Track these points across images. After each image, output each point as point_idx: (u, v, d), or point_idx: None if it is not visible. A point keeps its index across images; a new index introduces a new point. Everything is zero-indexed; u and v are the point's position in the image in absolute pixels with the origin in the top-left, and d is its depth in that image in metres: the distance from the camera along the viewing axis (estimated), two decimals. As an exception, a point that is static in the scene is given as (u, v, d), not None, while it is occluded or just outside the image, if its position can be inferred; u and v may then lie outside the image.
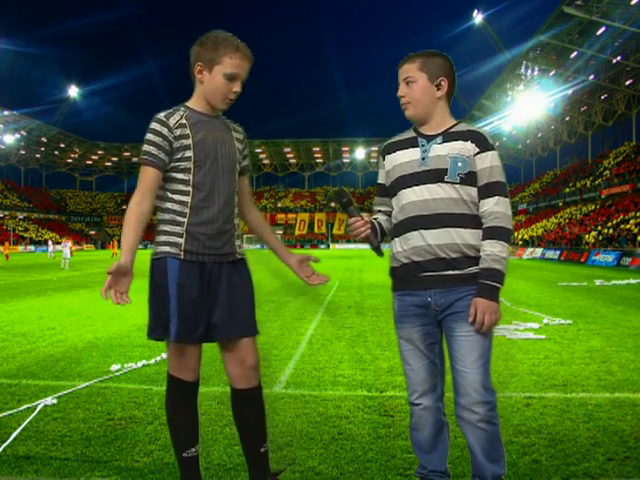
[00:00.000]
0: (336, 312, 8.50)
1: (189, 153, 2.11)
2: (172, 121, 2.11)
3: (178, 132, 2.11)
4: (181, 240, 2.11)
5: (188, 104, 2.20)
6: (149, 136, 2.10)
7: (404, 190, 2.14)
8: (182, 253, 2.10)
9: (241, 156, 2.29)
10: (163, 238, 2.14)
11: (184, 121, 2.12)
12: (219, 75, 2.11)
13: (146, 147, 2.10)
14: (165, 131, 2.09)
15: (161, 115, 2.12)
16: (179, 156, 2.11)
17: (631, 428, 3.18)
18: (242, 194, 2.33)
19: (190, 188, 2.13)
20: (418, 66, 2.12)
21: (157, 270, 2.13)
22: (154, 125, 2.10)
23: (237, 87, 2.15)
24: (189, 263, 2.11)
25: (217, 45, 2.10)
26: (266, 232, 2.42)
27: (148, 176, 2.10)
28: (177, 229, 2.12)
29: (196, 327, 2.11)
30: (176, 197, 2.13)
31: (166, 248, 2.12)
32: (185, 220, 2.12)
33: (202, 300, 2.11)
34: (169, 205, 2.14)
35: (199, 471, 2.22)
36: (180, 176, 2.13)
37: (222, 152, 2.17)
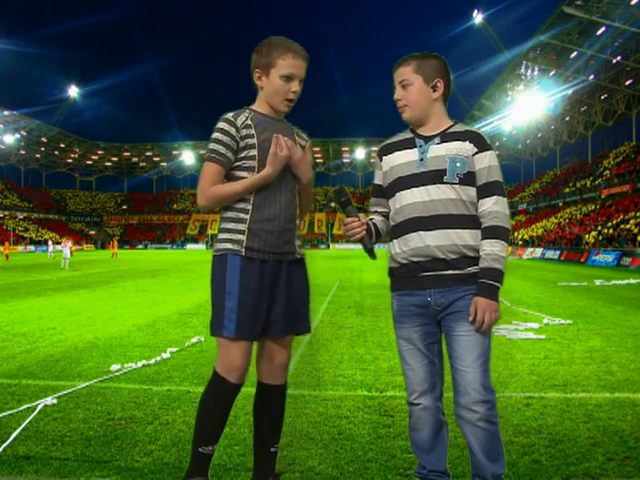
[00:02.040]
0: (336, 312, 8.50)
1: (254, 152, 2.15)
2: (239, 121, 2.16)
3: (244, 132, 2.15)
4: (243, 237, 2.14)
5: (252, 107, 2.25)
6: (217, 135, 2.14)
7: (402, 191, 2.14)
8: (244, 250, 2.13)
9: None
10: (225, 235, 2.17)
11: (249, 122, 2.17)
12: (276, 78, 2.16)
13: (214, 145, 2.15)
14: (233, 131, 2.14)
15: (229, 115, 2.17)
16: (243, 155, 2.16)
17: (631, 428, 3.18)
18: (299, 196, 2.33)
19: None
20: (413, 68, 2.13)
21: (217, 267, 2.16)
22: (222, 125, 2.15)
23: (295, 87, 2.18)
24: (250, 260, 2.13)
25: (270, 49, 2.15)
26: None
27: (214, 172, 2.14)
28: (240, 226, 2.16)
29: (254, 325, 2.13)
30: None
31: (228, 245, 2.15)
32: (248, 217, 2.15)
33: (262, 298, 2.13)
34: (232, 204, 2.18)
35: (207, 469, 2.22)
36: (244, 174, 2.16)
37: None
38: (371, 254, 2.23)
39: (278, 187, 2.19)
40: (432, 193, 2.08)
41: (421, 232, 2.08)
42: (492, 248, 2.04)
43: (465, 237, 2.07)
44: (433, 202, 2.08)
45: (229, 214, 2.19)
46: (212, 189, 2.13)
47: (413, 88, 2.13)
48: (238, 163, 2.17)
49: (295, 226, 2.27)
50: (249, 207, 2.16)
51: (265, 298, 2.15)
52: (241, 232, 2.15)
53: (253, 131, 2.16)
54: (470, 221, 2.09)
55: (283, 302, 2.18)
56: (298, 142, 2.30)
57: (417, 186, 2.10)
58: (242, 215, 2.16)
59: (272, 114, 2.24)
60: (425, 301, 2.11)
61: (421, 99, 2.13)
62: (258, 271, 2.13)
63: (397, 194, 2.16)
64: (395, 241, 2.18)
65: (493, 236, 2.05)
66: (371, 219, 2.30)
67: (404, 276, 2.15)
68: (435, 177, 2.08)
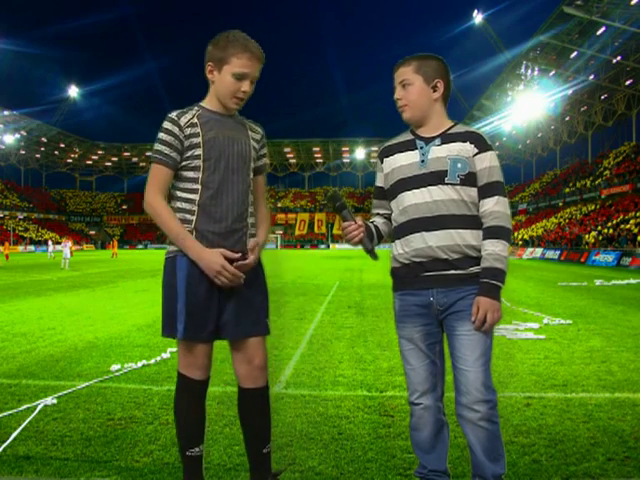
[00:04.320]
0: (336, 312, 8.50)
1: (199, 151, 2.12)
2: (183, 120, 2.13)
3: (189, 131, 2.12)
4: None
5: (202, 103, 2.22)
6: (161, 135, 2.13)
7: (405, 193, 2.14)
8: None
9: (257, 155, 2.28)
10: None
11: (195, 120, 2.14)
12: (228, 75, 2.12)
13: (158, 146, 2.13)
14: (176, 130, 2.11)
15: (173, 114, 2.14)
16: (189, 154, 2.13)
17: (631, 428, 3.18)
18: (255, 193, 2.30)
19: (199, 186, 2.14)
20: (414, 69, 2.13)
21: (167, 269, 2.16)
22: (166, 124, 2.13)
23: (246, 87, 2.15)
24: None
25: (227, 45, 2.12)
26: (260, 227, 2.33)
27: (161, 174, 2.13)
28: (187, 227, 2.13)
29: (204, 326, 2.11)
30: (185, 195, 2.15)
31: (176, 247, 2.13)
32: (194, 218, 2.13)
33: (211, 299, 2.12)
34: (179, 204, 2.16)
35: (202, 471, 2.22)
36: (190, 174, 2.14)
37: (233, 151, 2.17)
38: (372, 255, 2.23)
39: (224, 187, 2.14)
40: (434, 194, 2.09)
41: (423, 233, 2.09)
42: (494, 248, 2.04)
43: (467, 237, 2.08)
44: (435, 203, 2.08)
45: (177, 215, 2.15)
46: (157, 205, 2.08)
47: (413, 88, 2.13)
48: (184, 163, 2.14)
49: (247, 225, 2.21)
50: (195, 208, 2.13)
51: (215, 299, 2.12)
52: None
53: (199, 130, 2.13)
54: (472, 221, 2.10)
55: (234, 303, 2.15)
56: (252, 136, 2.25)
57: (419, 187, 2.11)
58: (188, 216, 2.13)
59: (222, 110, 2.20)
60: (427, 301, 2.11)
61: (421, 99, 2.13)
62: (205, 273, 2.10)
63: (399, 195, 2.16)
64: (398, 242, 2.18)
65: (495, 236, 2.06)
66: (372, 222, 2.30)
67: (406, 276, 2.15)
68: (437, 178, 2.08)
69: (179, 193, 2.16)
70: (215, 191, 2.13)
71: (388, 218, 2.30)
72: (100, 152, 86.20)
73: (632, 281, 14.96)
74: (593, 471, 2.61)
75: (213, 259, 2.05)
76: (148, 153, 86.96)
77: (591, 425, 3.23)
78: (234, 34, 2.14)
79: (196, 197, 2.13)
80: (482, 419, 2.02)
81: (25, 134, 69.34)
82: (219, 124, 2.17)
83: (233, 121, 2.23)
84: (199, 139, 2.12)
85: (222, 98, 2.17)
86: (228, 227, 2.15)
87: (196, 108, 2.19)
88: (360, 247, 2.20)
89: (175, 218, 2.10)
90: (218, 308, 2.13)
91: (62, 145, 78.20)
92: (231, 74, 2.12)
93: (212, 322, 2.13)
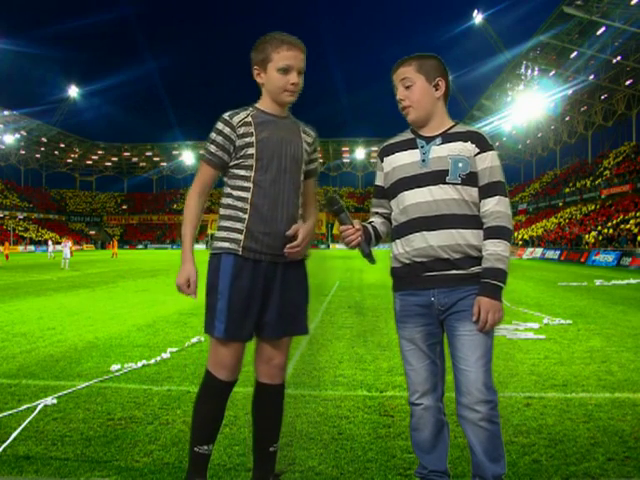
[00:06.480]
0: (336, 312, 8.50)
1: (252, 150, 2.14)
2: (236, 120, 2.14)
3: (241, 130, 2.14)
4: (241, 236, 2.13)
5: (257, 105, 2.24)
6: (212, 135, 2.16)
7: (405, 192, 2.14)
8: (240, 249, 2.12)
9: (308, 158, 2.30)
10: (223, 234, 2.16)
11: (249, 119, 2.16)
12: (273, 72, 2.15)
13: (208, 145, 2.17)
14: (227, 130, 2.13)
15: (226, 114, 2.17)
16: (242, 153, 2.15)
17: (631, 428, 3.18)
18: (305, 196, 2.30)
19: (250, 184, 2.14)
20: (415, 68, 2.13)
21: (211, 266, 2.17)
22: (218, 124, 2.16)
23: (294, 78, 2.16)
24: (244, 260, 2.11)
25: (265, 45, 2.16)
26: (310, 218, 2.32)
27: (206, 174, 2.20)
28: (238, 225, 2.14)
29: (244, 327, 2.12)
30: (236, 193, 2.16)
31: (225, 244, 2.14)
32: (246, 217, 2.14)
33: (253, 298, 2.12)
34: (230, 201, 2.17)
35: (206, 470, 2.22)
36: (242, 173, 2.16)
37: (286, 152, 2.19)
38: (370, 259, 2.22)
39: (276, 188, 2.16)
40: (435, 193, 2.08)
41: (424, 232, 2.08)
42: (495, 248, 2.04)
43: (468, 237, 2.08)
44: (436, 202, 2.08)
45: (228, 212, 2.17)
46: (189, 202, 2.18)
47: (416, 87, 2.13)
48: (237, 161, 2.16)
49: None
50: (247, 206, 2.14)
51: (257, 299, 2.13)
52: (239, 231, 2.13)
53: (252, 129, 2.14)
54: (473, 221, 2.09)
55: (277, 304, 2.16)
56: (304, 139, 2.27)
57: (420, 187, 2.10)
58: (241, 214, 2.14)
59: (276, 111, 2.22)
60: (429, 301, 2.11)
61: (425, 98, 2.13)
62: (251, 272, 2.12)
63: (400, 195, 2.16)
64: (398, 241, 2.18)
65: (496, 236, 2.05)
66: (371, 222, 2.30)
67: (407, 276, 2.15)
68: (438, 178, 2.08)
69: (231, 190, 2.18)
70: (267, 191, 2.15)
71: (387, 218, 2.29)
72: (100, 152, 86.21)
73: (632, 281, 14.96)
74: (593, 471, 2.61)
75: (187, 271, 2.13)
76: (148, 153, 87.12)
77: (591, 425, 3.23)
78: (270, 35, 2.18)
79: (248, 195, 2.14)
80: (483, 419, 2.01)
81: (25, 134, 69.34)
82: (273, 125, 2.18)
83: (287, 122, 2.25)
84: (252, 138, 2.14)
85: (275, 96, 2.19)
86: (279, 228, 2.15)
87: (250, 109, 2.21)
88: (358, 250, 2.20)
89: (194, 220, 2.17)
90: (260, 308, 2.14)
91: (62, 145, 78.20)
92: (276, 70, 2.14)
93: (252, 322, 2.14)
